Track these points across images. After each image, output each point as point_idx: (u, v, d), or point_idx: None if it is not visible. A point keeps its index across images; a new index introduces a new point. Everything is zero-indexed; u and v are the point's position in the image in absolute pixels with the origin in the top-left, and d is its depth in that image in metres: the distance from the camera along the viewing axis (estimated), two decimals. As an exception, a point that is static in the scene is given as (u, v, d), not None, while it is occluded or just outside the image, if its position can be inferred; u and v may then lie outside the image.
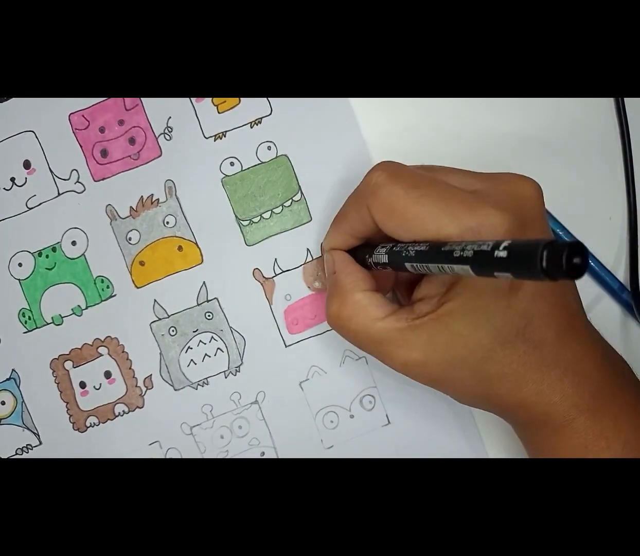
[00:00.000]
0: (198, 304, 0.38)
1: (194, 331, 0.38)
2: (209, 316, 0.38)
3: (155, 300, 0.38)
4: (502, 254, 0.22)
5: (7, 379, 0.38)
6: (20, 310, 0.38)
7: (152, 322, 0.38)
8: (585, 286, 0.38)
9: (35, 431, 0.38)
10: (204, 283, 0.37)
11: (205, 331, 0.38)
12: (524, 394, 0.29)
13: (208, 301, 0.38)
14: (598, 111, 0.38)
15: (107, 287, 0.37)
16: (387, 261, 0.30)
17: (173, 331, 0.38)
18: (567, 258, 0.20)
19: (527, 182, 0.30)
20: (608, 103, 0.38)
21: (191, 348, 0.38)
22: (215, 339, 0.38)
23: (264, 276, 0.37)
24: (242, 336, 0.38)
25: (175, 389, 0.38)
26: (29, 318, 0.38)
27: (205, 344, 0.38)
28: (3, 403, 0.38)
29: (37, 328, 0.38)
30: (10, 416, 0.38)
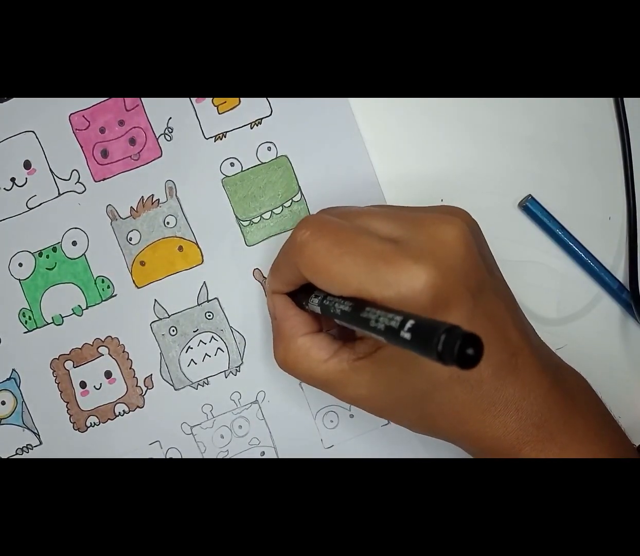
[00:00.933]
0: (198, 304, 0.38)
1: (194, 331, 0.38)
2: (209, 316, 0.38)
3: (155, 300, 0.38)
4: (406, 335, 0.23)
5: (8, 379, 0.38)
6: (21, 310, 0.38)
7: (152, 322, 0.38)
8: (585, 286, 0.38)
9: (36, 431, 0.38)
10: (204, 283, 0.38)
11: (206, 330, 0.38)
12: (466, 429, 0.30)
13: (208, 301, 0.38)
14: (598, 111, 0.38)
15: (108, 287, 0.37)
16: (319, 312, 0.31)
17: (173, 330, 0.38)
18: (459, 348, 0.20)
19: (448, 224, 0.29)
20: (608, 103, 0.38)
21: (191, 348, 0.38)
22: (215, 339, 0.38)
23: (264, 276, 0.37)
24: (243, 336, 0.38)
25: (175, 389, 0.38)
26: (30, 318, 0.38)
27: (205, 344, 0.38)
28: (3, 403, 0.38)
29: (37, 327, 0.38)
30: (10, 416, 0.38)
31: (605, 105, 0.38)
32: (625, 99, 0.37)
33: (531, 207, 0.37)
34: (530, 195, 0.38)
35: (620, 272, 0.38)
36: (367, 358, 0.30)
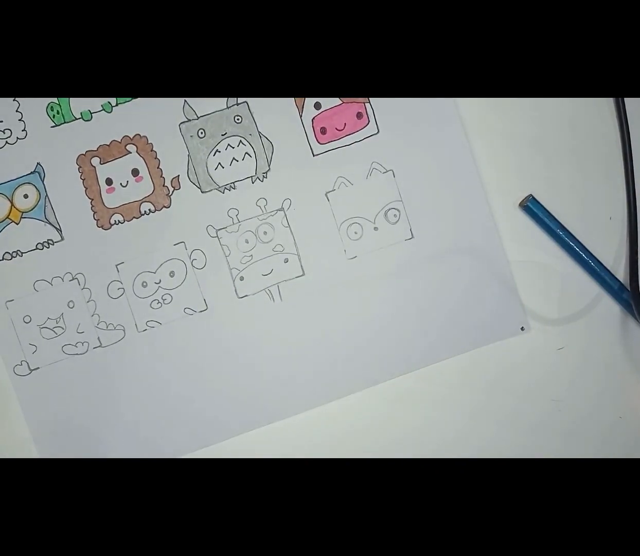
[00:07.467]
0: (228, 107, 0.38)
1: (222, 134, 0.38)
2: (238, 119, 0.38)
3: (185, 101, 0.37)
4: None
5: (32, 173, 0.37)
6: (49, 104, 0.37)
7: (181, 123, 0.37)
8: (585, 286, 0.38)
9: (58, 227, 0.37)
10: (234, 85, 0.37)
11: (234, 134, 0.38)
12: None
13: (238, 104, 0.38)
14: (598, 111, 0.38)
15: (138, 85, 0.37)
16: None
17: (201, 133, 0.37)
18: None
19: None
20: (608, 103, 0.38)
21: (219, 151, 0.38)
22: (243, 144, 0.38)
23: (296, 85, 0.38)
24: (271, 142, 0.38)
25: (202, 192, 0.38)
26: (58, 112, 0.37)
27: (233, 148, 0.38)
28: (26, 196, 0.37)
29: (65, 122, 0.37)
30: (32, 209, 0.37)
31: (605, 105, 0.38)
32: (626, 99, 0.38)
33: (532, 207, 0.38)
34: (531, 195, 0.38)
35: (621, 272, 0.38)
36: None
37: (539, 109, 0.38)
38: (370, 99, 0.37)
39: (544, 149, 0.38)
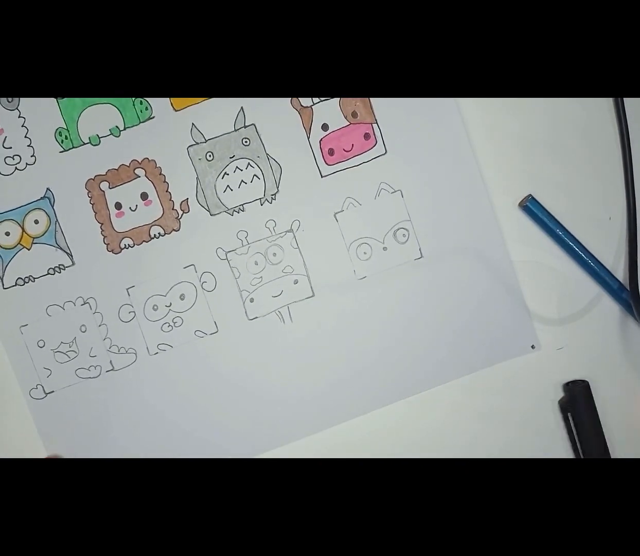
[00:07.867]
0: (235, 130, 0.38)
1: (230, 157, 0.38)
2: (246, 142, 0.38)
3: (193, 124, 0.37)
4: None
5: (42, 198, 0.37)
6: (57, 129, 0.37)
7: (189, 146, 0.37)
8: (585, 286, 0.38)
9: (69, 252, 0.37)
10: (241, 108, 0.37)
11: (242, 157, 0.38)
12: None
13: (245, 127, 0.38)
14: (598, 110, 0.38)
15: (146, 108, 0.37)
16: None
17: (210, 156, 0.37)
18: None
19: None
20: (608, 104, 0.38)
21: (228, 174, 0.38)
22: (251, 166, 0.38)
23: (301, 105, 0.38)
24: (279, 164, 0.38)
25: (211, 215, 0.38)
26: (66, 138, 0.37)
27: (241, 170, 0.38)
28: (37, 222, 0.37)
29: (73, 147, 0.37)
30: (43, 235, 0.37)
31: (605, 106, 0.38)
32: (625, 99, 0.37)
33: (532, 207, 0.37)
34: (530, 195, 0.38)
35: (620, 272, 0.38)
36: None
37: (538, 110, 0.38)
38: (377, 120, 0.37)
39: (543, 149, 0.38)
